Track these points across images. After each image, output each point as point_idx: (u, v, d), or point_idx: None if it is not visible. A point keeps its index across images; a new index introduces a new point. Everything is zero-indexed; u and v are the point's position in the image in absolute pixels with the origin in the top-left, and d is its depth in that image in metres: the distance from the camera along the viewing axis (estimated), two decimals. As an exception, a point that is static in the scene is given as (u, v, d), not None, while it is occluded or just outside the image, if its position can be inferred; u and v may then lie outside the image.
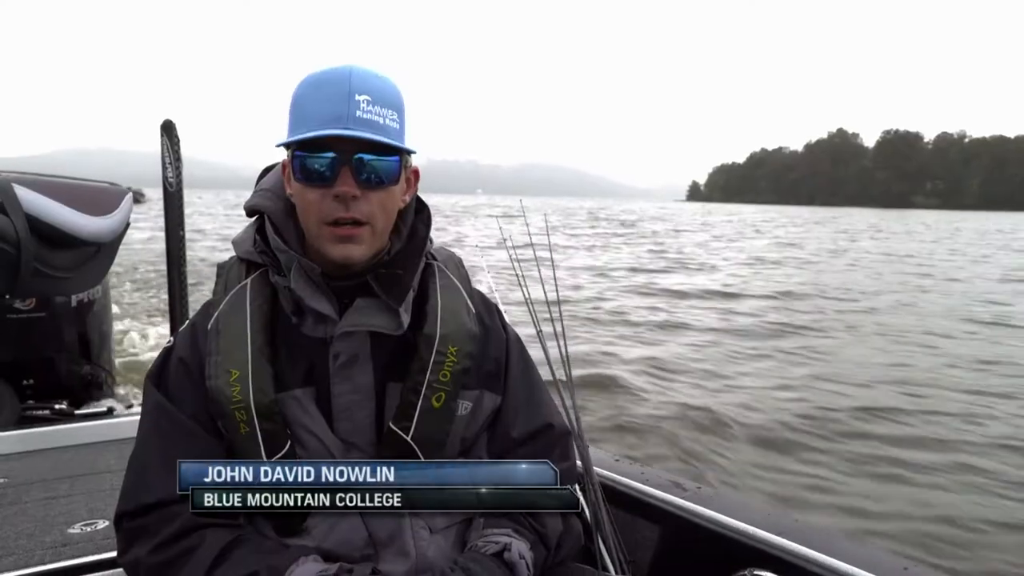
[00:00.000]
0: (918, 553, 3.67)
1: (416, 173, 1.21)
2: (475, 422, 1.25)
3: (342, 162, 1.05)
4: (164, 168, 2.86)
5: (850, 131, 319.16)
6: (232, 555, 1.04)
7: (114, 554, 1.14)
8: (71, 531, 1.93)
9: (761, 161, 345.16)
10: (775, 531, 1.67)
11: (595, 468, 1.86)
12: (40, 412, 2.98)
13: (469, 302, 1.26)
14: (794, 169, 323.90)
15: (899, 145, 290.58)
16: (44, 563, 1.74)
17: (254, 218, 1.23)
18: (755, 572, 1.62)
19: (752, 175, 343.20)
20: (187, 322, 1.23)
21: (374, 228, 1.11)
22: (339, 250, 1.09)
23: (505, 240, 2.14)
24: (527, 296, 2.21)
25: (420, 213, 1.25)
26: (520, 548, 1.13)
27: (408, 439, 1.13)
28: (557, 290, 2.27)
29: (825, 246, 30.68)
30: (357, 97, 1.04)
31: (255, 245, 1.18)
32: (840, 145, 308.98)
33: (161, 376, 1.17)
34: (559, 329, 2.07)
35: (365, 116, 1.05)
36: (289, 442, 1.11)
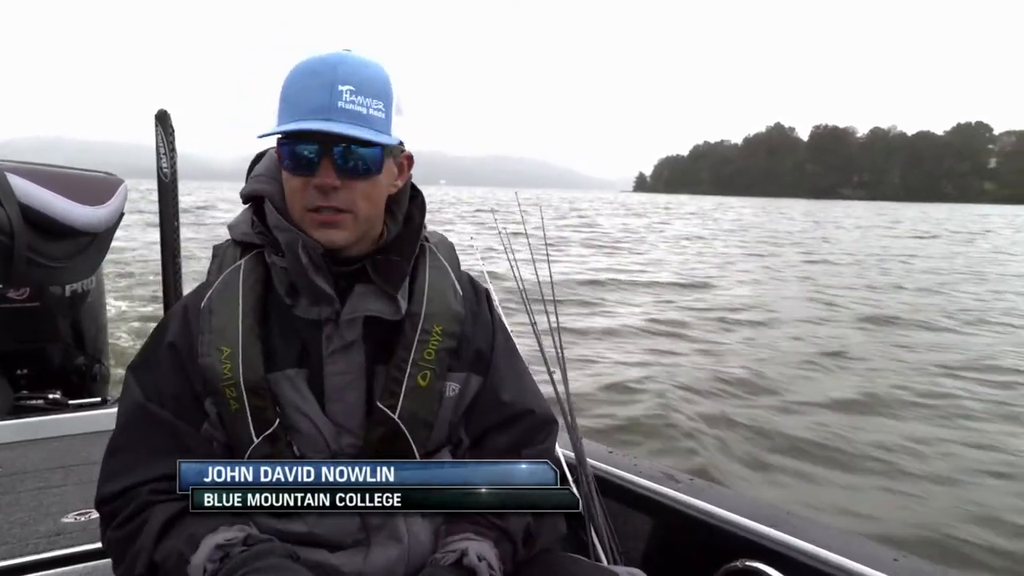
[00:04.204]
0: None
1: (409, 159, 1.17)
2: (462, 406, 1.20)
3: (323, 152, 1.02)
4: (159, 158, 2.79)
5: (787, 125, 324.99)
6: (174, 527, 1.01)
7: None
8: (65, 520, 1.86)
9: (703, 153, 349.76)
10: (767, 523, 1.66)
11: (588, 460, 1.84)
12: (34, 402, 2.85)
13: (457, 284, 1.22)
14: (733, 161, 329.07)
15: (828, 139, 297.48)
16: (39, 552, 1.68)
17: (249, 204, 1.19)
18: (747, 563, 1.61)
19: (694, 167, 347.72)
20: (179, 303, 1.18)
21: (356, 215, 1.07)
22: (321, 234, 1.06)
23: (499, 232, 2.10)
24: (522, 288, 2.17)
25: (415, 199, 1.22)
26: (480, 550, 1.04)
27: (395, 416, 1.08)
28: (553, 286, 2.24)
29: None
30: (340, 87, 1.01)
31: (253, 226, 1.15)
32: (777, 138, 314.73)
33: (144, 369, 1.14)
34: (552, 320, 2.03)
35: (348, 107, 1.01)
36: (278, 420, 1.07)
